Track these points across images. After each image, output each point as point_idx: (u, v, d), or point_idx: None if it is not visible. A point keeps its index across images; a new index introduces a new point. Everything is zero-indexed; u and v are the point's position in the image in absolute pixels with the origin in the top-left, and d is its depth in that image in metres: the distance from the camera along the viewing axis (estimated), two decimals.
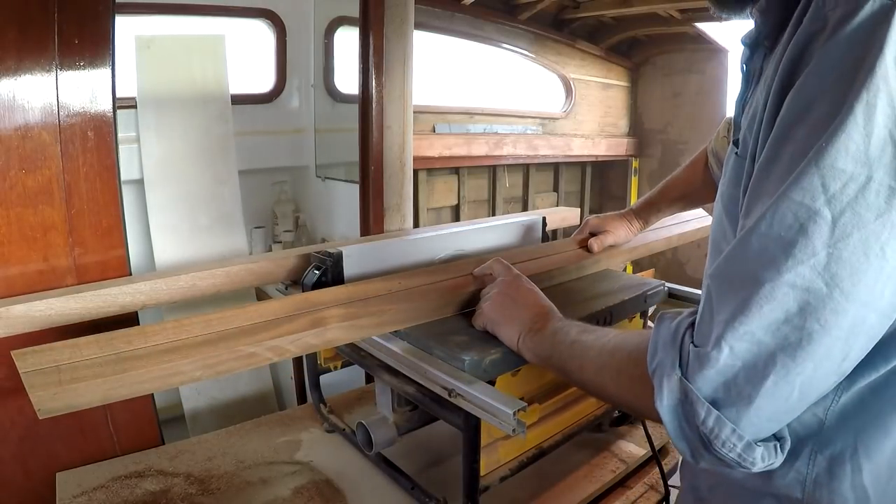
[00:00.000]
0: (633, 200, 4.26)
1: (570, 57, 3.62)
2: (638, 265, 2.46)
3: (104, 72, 1.00)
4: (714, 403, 0.44)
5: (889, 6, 0.38)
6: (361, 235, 1.56)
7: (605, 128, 3.99)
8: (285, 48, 2.12)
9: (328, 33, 2.12)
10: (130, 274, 1.09)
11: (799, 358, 0.41)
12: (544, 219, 1.40)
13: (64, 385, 0.66)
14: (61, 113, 0.97)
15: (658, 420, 0.49)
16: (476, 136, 3.17)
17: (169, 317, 1.55)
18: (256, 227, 2.15)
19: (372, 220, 1.53)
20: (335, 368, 1.17)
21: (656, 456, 1.09)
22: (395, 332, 0.92)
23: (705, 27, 3.29)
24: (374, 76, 1.45)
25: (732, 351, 0.43)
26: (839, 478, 0.48)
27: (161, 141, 1.81)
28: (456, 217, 3.35)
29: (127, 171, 1.31)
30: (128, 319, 1.01)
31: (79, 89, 0.98)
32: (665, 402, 0.47)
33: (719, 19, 0.60)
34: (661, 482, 1.09)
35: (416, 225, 1.69)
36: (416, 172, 1.97)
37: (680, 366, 0.47)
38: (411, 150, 1.56)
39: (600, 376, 0.63)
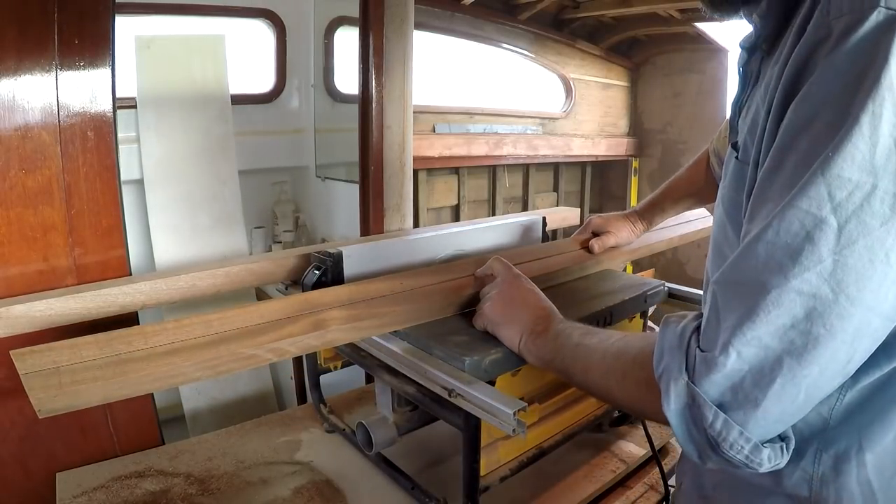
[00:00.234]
0: (634, 200, 4.26)
1: (570, 57, 3.62)
2: (638, 265, 2.46)
3: (104, 72, 1.00)
4: (721, 407, 0.45)
5: (893, 17, 0.39)
6: (361, 235, 1.56)
7: (604, 128, 3.99)
8: (285, 48, 2.12)
9: (328, 33, 2.12)
10: (130, 274, 1.09)
11: (805, 361, 0.42)
12: (544, 219, 1.40)
13: (63, 387, 0.66)
14: (61, 113, 0.97)
15: (665, 423, 0.49)
16: (476, 136, 3.17)
17: (169, 317, 1.55)
18: (256, 227, 2.15)
19: (372, 220, 1.53)
20: (335, 368, 1.17)
21: (656, 456, 1.09)
22: (396, 332, 0.92)
23: (705, 27, 3.29)
24: (374, 76, 1.45)
25: (740, 356, 0.44)
26: (845, 474, 0.48)
27: (161, 141, 1.81)
28: (456, 217, 3.35)
29: (127, 171, 1.31)
30: (128, 319, 1.01)
31: (79, 89, 0.98)
32: (672, 406, 0.48)
33: (711, 19, 0.61)
34: (661, 482, 1.09)
35: (416, 225, 1.68)
36: (416, 172, 1.97)
37: (686, 370, 0.47)
38: (411, 150, 1.56)
39: (605, 380, 0.63)
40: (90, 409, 1.06)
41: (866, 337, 0.42)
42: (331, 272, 1.04)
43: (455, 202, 3.34)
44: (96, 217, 1.03)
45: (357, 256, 1.07)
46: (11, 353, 0.70)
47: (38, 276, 0.99)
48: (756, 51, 0.56)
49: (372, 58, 1.44)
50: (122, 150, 1.07)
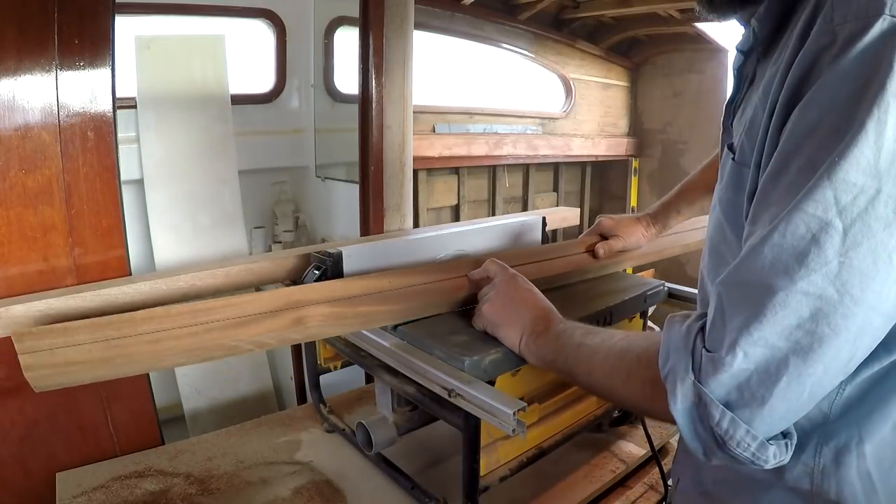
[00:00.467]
0: (634, 201, 4.26)
1: (570, 57, 3.62)
2: (638, 265, 2.45)
3: (104, 72, 1.00)
4: (727, 405, 0.46)
5: None
6: (361, 235, 1.56)
7: (604, 128, 3.99)
8: (285, 48, 2.12)
9: (328, 33, 2.12)
10: (130, 274, 1.09)
11: (810, 360, 0.43)
12: (544, 219, 1.40)
13: (57, 367, 0.71)
14: (61, 113, 0.97)
15: (670, 421, 0.50)
16: (476, 136, 3.17)
17: None
18: (256, 227, 2.15)
19: (372, 220, 1.53)
20: (335, 368, 1.17)
21: (656, 456, 1.09)
22: (395, 332, 0.92)
23: (705, 27, 3.29)
24: (374, 76, 1.45)
25: (747, 356, 0.45)
26: (846, 466, 0.50)
27: (161, 141, 1.81)
28: (456, 217, 3.35)
29: (127, 171, 1.31)
30: None
31: (79, 89, 0.98)
32: (679, 406, 0.48)
33: (706, 20, 0.61)
34: (660, 482, 1.09)
35: (416, 225, 1.69)
36: (416, 172, 1.98)
37: (693, 369, 0.48)
38: (411, 150, 1.56)
39: (609, 380, 0.63)
40: (90, 409, 1.07)
41: (868, 335, 0.44)
42: (331, 272, 1.04)
43: (455, 202, 3.34)
44: (96, 217, 1.03)
45: (357, 256, 1.07)
46: (12, 332, 0.75)
47: (37, 276, 0.99)
48: (752, 53, 0.57)
49: (372, 58, 1.44)
50: (122, 150, 1.07)
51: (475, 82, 3.35)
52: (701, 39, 3.56)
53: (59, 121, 0.97)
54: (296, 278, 1.15)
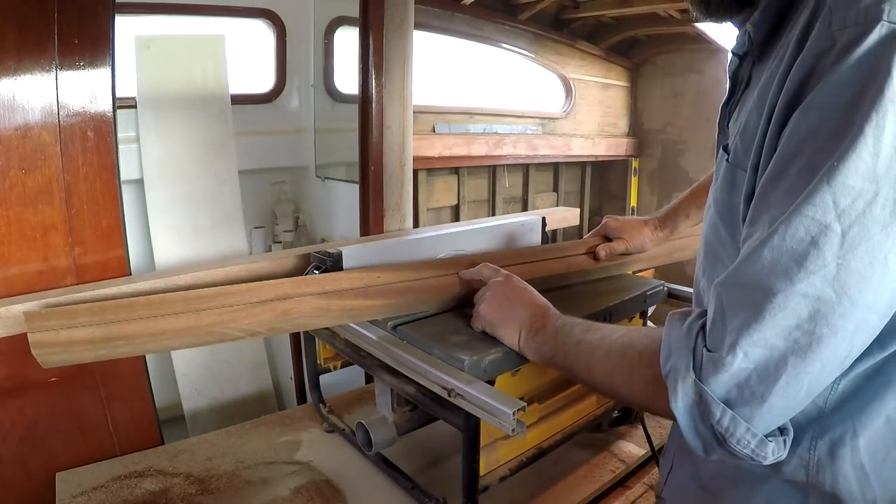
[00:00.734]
0: (634, 201, 4.26)
1: (570, 57, 3.62)
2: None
3: (104, 72, 1.00)
4: (727, 403, 0.47)
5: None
6: (361, 235, 1.56)
7: (604, 128, 3.99)
8: (285, 48, 2.12)
9: (328, 33, 2.12)
10: (130, 274, 1.09)
11: (808, 359, 0.44)
12: (544, 219, 1.40)
13: (62, 346, 0.77)
14: (61, 113, 0.97)
15: (670, 417, 0.51)
16: (476, 136, 3.17)
17: None
18: (256, 227, 2.15)
19: (372, 220, 1.53)
20: (335, 368, 1.17)
21: (655, 456, 1.09)
22: (395, 332, 0.92)
23: (705, 27, 3.29)
24: (374, 76, 1.45)
25: (747, 356, 0.46)
26: (840, 459, 0.51)
27: (161, 141, 1.81)
28: (456, 217, 3.35)
29: (127, 171, 1.31)
30: None
31: (79, 89, 0.98)
32: (680, 403, 0.49)
33: (699, 21, 0.62)
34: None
35: (415, 225, 1.69)
36: (416, 172, 1.97)
37: (694, 368, 0.49)
38: (411, 150, 1.56)
39: (610, 377, 0.64)
40: (90, 409, 1.07)
41: (864, 333, 0.45)
42: (330, 272, 1.04)
43: (455, 202, 3.34)
44: (96, 217, 1.03)
45: (357, 256, 1.07)
46: (23, 311, 0.82)
47: (37, 275, 0.99)
48: (747, 57, 0.58)
49: (372, 58, 1.44)
50: (122, 150, 1.08)
51: (475, 82, 3.35)
52: (701, 39, 3.56)
53: (59, 120, 0.97)
54: None
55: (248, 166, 2.02)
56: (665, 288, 1.15)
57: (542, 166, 3.81)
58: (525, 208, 3.71)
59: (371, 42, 1.43)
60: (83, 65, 0.98)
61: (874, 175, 0.41)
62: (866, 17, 0.42)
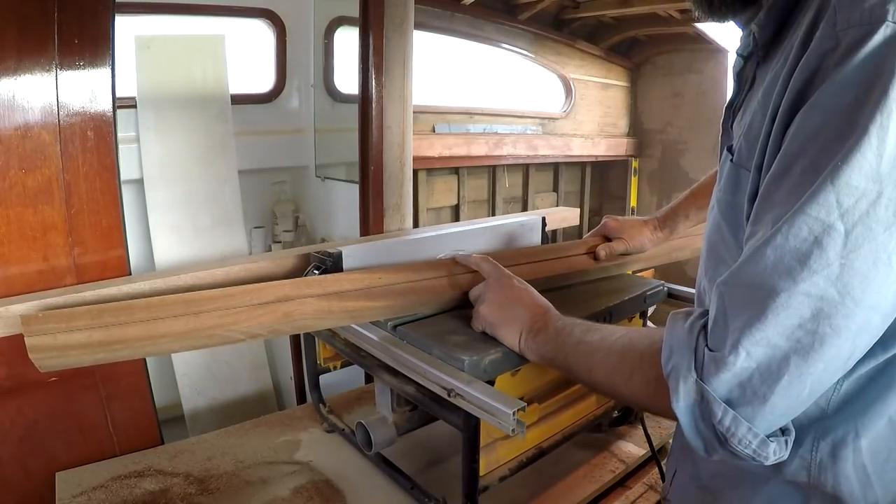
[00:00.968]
0: (633, 201, 4.26)
1: (570, 57, 3.62)
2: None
3: (104, 71, 1.00)
4: (729, 403, 0.47)
5: None
6: (361, 235, 1.56)
7: (604, 128, 4.00)
8: (285, 48, 2.12)
9: (328, 33, 2.12)
10: (130, 273, 1.09)
11: (811, 359, 0.44)
12: (544, 219, 1.40)
13: (59, 350, 0.75)
14: (61, 113, 0.97)
15: (671, 418, 0.51)
16: (476, 136, 3.17)
17: None
18: (256, 227, 2.15)
19: (372, 220, 1.53)
20: (335, 368, 1.17)
21: (655, 456, 1.09)
22: (395, 332, 0.92)
23: (705, 27, 3.29)
24: (374, 76, 1.45)
25: (749, 355, 0.45)
26: (842, 460, 0.51)
27: (161, 141, 1.81)
28: (456, 217, 3.35)
29: (127, 171, 1.31)
30: None
31: (79, 89, 0.98)
32: (682, 403, 0.49)
33: (700, 20, 0.62)
34: (660, 482, 1.09)
35: (415, 225, 1.69)
36: (415, 172, 1.97)
37: (695, 368, 0.49)
38: (411, 150, 1.56)
39: (611, 378, 0.64)
40: (90, 409, 1.07)
41: (867, 333, 0.44)
42: (331, 272, 1.04)
43: (455, 202, 3.34)
44: (96, 217, 1.03)
45: (357, 256, 1.06)
46: (21, 315, 0.79)
47: (37, 275, 0.99)
48: (751, 57, 0.58)
49: (372, 58, 1.44)
50: (122, 150, 1.07)
51: (475, 82, 3.35)
52: (701, 40, 3.56)
53: (58, 120, 0.97)
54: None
55: (248, 166, 2.02)
56: (665, 288, 1.15)
57: (542, 166, 3.81)
58: (525, 208, 3.71)
59: (371, 42, 1.43)
60: (83, 65, 0.98)
61: (878, 175, 0.41)
62: (871, 17, 0.42)
